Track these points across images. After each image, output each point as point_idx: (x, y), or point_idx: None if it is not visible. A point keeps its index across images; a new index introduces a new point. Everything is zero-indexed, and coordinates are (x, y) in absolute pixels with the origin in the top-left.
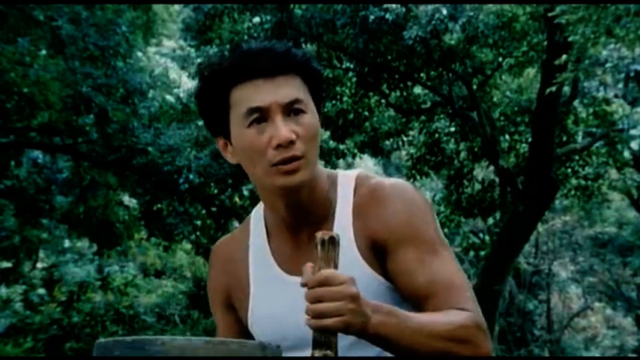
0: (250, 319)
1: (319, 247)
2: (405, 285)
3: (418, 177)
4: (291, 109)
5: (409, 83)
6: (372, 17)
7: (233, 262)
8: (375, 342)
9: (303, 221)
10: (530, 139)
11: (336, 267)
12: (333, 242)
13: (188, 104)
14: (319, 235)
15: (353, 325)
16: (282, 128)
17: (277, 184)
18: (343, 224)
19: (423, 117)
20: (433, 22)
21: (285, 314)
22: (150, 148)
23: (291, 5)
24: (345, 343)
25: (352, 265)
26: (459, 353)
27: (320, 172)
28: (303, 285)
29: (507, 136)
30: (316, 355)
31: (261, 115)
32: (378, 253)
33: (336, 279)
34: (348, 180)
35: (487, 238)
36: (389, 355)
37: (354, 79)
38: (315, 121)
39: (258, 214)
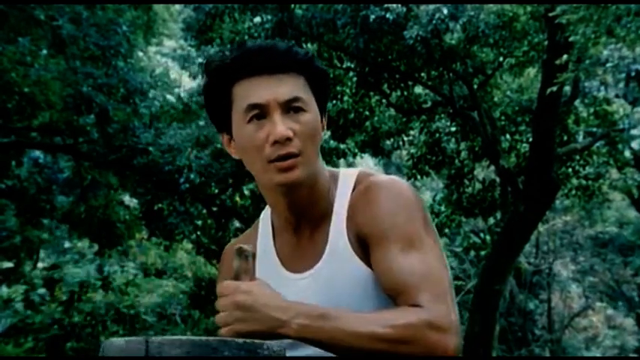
0: None
1: (235, 259)
2: (383, 281)
3: (419, 176)
4: (291, 107)
5: (410, 83)
6: (372, 17)
7: None
8: (311, 344)
9: (304, 219)
10: (530, 139)
11: (251, 279)
12: (248, 255)
13: (189, 104)
14: (236, 247)
15: (244, 332)
16: (280, 125)
17: (274, 181)
18: (338, 221)
19: (423, 117)
20: (434, 21)
21: None
22: (151, 148)
23: (292, 5)
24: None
25: (343, 255)
26: (407, 353)
27: (321, 171)
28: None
29: (508, 136)
30: None
31: (260, 112)
32: (363, 246)
33: (224, 290)
34: (349, 178)
35: (488, 237)
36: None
37: (354, 79)
38: (314, 120)
39: (266, 214)
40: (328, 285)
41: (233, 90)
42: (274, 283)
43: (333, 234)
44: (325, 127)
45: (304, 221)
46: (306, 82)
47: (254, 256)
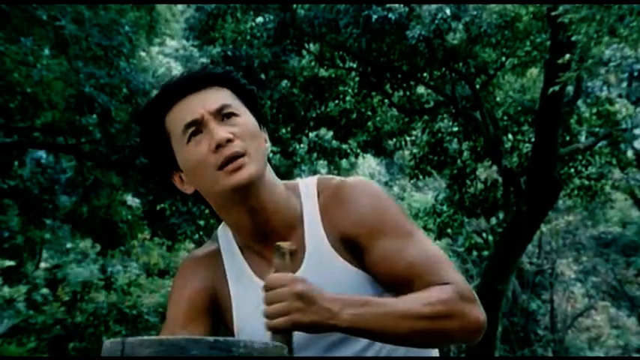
0: (237, 333)
1: (276, 255)
2: (386, 273)
3: (421, 176)
4: (223, 114)
5: (412, 83)
6: (375, 17)
7: (212, 273)
8: (357, 334)
9: (269, 231)
10: (533, 139)
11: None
12: (291, 252)
13: None
14: (277, 244)
15: (303, 322)
16: (217, 131)
17: (228, 186)
18: (313, 226)
19: (425, 117)
20: (436, 21)
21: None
22: None
23: (294, 5)
24: (328, 341)
25: (327, 259)
26: (447, 328)
27: (275, 180)
28: (264, 290)
29: (510, 136)
30: None
31: (196, 128)
32: (351, 247)
33: (279, 281)
34: (310, 185)
35: (490, 238)
36: (369, 355)
37: (357, 79)
38: (251, 121)
39: (225, 235)
40: None
41: (166, 122)
42: (253, 297)
43: (310, 240)
44: (268, 141)
45: (270, 233)
46: (233, 93)
47: (292, 252)
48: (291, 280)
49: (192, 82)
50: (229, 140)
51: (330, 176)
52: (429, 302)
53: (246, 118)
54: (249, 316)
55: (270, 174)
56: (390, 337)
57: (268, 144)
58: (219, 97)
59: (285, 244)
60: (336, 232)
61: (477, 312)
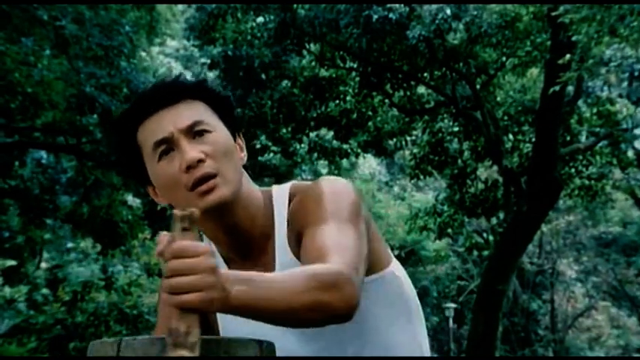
0: (221, 332)
1: (177, 221)
2: (303, 255)
3: (422, 176)
4: (195, 132)
5: (412, 83)
6: (375, 17)
7: None
8: (242, 314)
9: (248, 244)
10: (533, 139)
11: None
12: (192, 218)
13: None
14: (176, 211)
15: (214, 301)
16: (188, 150)
17: (200, 207)
18: (281, 237)
19: (426, 117)
20: (437, 21)
21: (255, 332)
22: None
23: (295, 5)
24: (315, 347)
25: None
26: (326, 301)
27: (251, 191)
28: (159, 255)
29: (511, 136)
30: (171, 349)
31: (167, 146)
32: None
33: (192, 250)
34: (283, 193)
35: (491, 238)
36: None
37: (357, 79)
38: (224, 138)
39: (210, 246)
40: None
41: (137, 136)
42: None
43: (278, 252)
44: (244, 150)
45: (249, 246)
46: (207, 106)
47: (188, 219)
48: (207, 251)
49: (164, 96)
50: (200, 160)
51: (304, 182)
52: (312, 273)
53: (219, 134)
54: (231, 321)
55: (246, 186)
56: (273, 313)
57: (244, 154)
58: (191, 113)
59: (179, 211)
60: (294, 235)
61: (355, 291)
